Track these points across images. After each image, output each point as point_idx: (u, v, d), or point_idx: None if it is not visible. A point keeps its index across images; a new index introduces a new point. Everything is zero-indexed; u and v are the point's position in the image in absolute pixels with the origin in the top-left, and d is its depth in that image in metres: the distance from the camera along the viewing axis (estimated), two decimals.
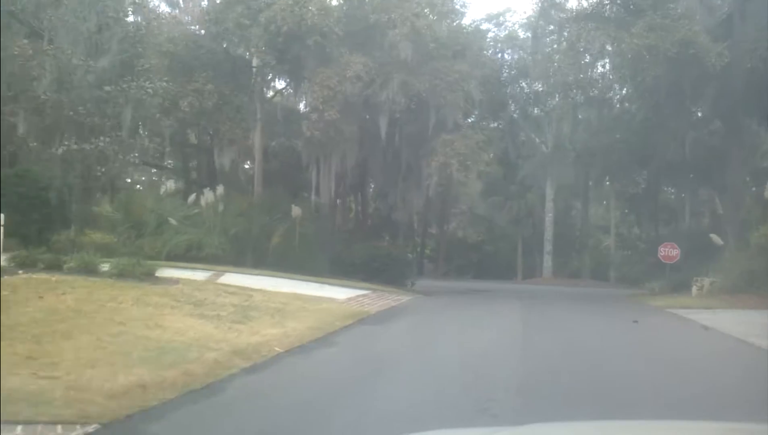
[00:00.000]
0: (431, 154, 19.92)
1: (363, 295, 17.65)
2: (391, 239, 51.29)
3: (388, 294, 19.63)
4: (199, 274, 17.40)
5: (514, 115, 27.25)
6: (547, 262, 41.05)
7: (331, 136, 19.56)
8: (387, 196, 24.83)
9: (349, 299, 16.10)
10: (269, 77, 20.75)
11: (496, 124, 30.03)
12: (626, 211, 48.52)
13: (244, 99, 20.46)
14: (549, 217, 41.60)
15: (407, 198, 23.15)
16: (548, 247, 41.19)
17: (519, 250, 46.92)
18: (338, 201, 46.25)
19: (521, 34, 35.75)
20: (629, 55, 19.34)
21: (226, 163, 21.85)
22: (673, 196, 52.28)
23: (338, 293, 17.07)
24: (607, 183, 32.61)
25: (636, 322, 13.61)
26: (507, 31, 36.84)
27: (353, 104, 19.63)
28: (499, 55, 30.17)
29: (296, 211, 22.04)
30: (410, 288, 23.96)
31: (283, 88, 22.51)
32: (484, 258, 50.98)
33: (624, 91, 27.66)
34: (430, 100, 19.86)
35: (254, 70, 20.71)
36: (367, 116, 20.26)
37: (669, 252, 24.44)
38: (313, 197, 22.13)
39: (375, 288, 20.59)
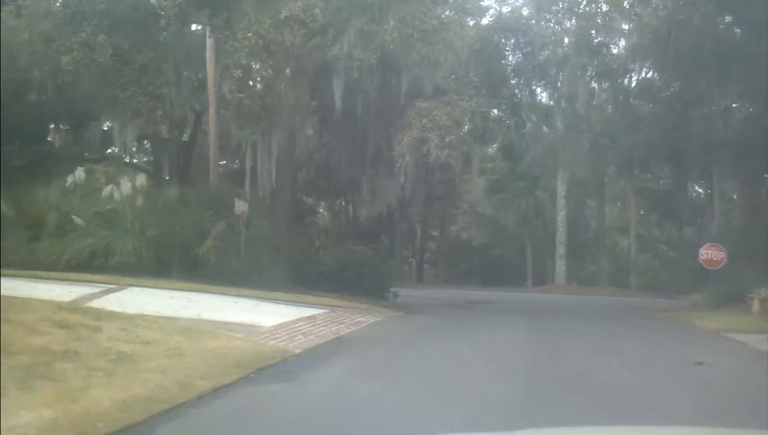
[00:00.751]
0: (405, 129, 15.08)
1: (309, 318, 12.88)
2: (389, 243, 46.54)
3: (350, 313, 14.89)
4: (81, 290, 12.86)
5: (517, 95, 22.38)
6: (560, 266, 36.11)
7: (267, 103, 14.77)
8: (358, 187, 19.93)
9: (278, 327, 11.31)
10: (183, 25, 15.82)
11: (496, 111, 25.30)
12: (644, 210, 43.49)
13: (150, 56, 15.63)
14: (561, 217, 36.69)
15: (377, 189, 18.27)
16: (561, 249, 36.28)
17: (528, 253, 42.04)
18: (338, 201, 41.62)
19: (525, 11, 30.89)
20: None
21: (129, 141, 17.08)
22: (694, 194, 47.29)
23: (271, 316, 12.34)
24: (626, 177, 27.27)
25: (701, 364, 8.75)
26: (509, 8, 32.01)
27: (298, 61, 14.81)
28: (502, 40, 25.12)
29: (241, 206, 17.28)
30: (391, 301, 19.26)
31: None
32: (490, 262, 46.26)
33: (649, 62, 22.65)
34: (400, 56, 15.03)
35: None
36: (320, 78, 15.42)
37: (713, 255, 19.51)
38: (247, 187, 17.30)
39: (339, 305, 15.90)
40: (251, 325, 10.95)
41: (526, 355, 9.76)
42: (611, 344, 11.23)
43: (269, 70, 14.07)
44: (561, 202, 36.72)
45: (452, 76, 15.70)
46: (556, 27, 22.17)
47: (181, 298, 13.28)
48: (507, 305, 22.51)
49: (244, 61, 13.97)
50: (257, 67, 14.39)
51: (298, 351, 9.37)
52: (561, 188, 36.68)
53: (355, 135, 17.15)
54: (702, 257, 19.55)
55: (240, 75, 14.03)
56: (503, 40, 20.62)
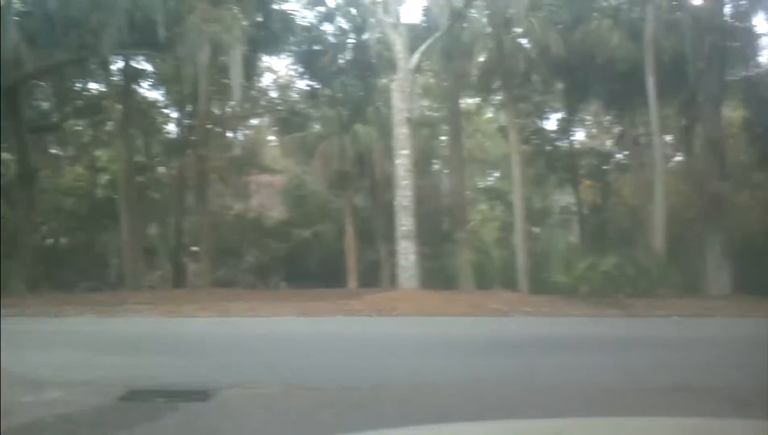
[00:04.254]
0: None
1: None
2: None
3: None
4: None
5: None
6: (406, 256, 18.44)
7: None
8: None
9: None
10: None
11: None
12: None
13: None
14: (402, 160, 19.01)
15: None
16: (405, 222, 18.62)
17: (348, 233, 24.93)
18: None
19: None
20: None
21: None
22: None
23: None
24: None
25: None
26: None
27: None
28: None
29: None
30: None
31: None
32: (295, 251, 29.14)
33: None
34: None
35: None
36: None
37: None
38: None
39: None
40: None
41: None
42: None
43: None
44: (401, 134, 19.13)
45: None
46: None
47: None
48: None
49: None
50: None
51: None
52: (399, 104, 19.04)
53: None
54: None
55: None
56: None
